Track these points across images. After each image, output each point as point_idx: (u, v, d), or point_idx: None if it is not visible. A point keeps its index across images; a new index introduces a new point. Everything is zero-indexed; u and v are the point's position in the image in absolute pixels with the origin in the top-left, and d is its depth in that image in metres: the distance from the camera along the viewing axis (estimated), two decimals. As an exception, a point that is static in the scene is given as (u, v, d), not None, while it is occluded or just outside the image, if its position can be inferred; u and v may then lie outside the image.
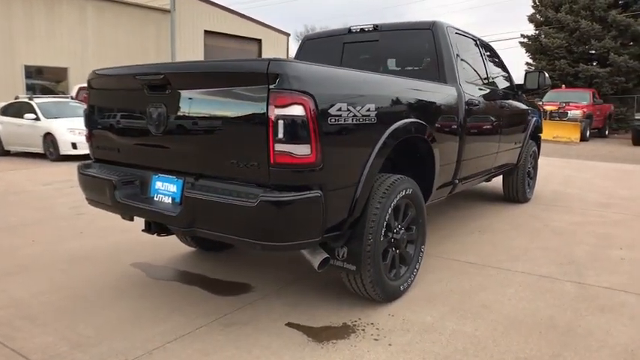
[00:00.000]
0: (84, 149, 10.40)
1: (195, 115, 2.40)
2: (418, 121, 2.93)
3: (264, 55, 27.25)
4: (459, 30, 4.14)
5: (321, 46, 4.41)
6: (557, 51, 20.09)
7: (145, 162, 2.74)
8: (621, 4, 19.62)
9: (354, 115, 2.38)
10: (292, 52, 34.96)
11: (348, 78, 2.51)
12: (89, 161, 3.13)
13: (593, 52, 19.79)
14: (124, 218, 2.82)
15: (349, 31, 4.23)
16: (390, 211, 2.73)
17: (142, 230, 2.72)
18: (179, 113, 2.44)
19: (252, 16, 26.42)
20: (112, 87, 2.89)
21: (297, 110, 2.06)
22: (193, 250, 3.97)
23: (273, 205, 2.08)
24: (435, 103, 3.30)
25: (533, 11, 22.32)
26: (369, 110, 2.48)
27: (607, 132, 17.69)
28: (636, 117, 14.33)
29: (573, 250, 4.06)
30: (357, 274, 2.62)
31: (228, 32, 25.08)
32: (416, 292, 3.10)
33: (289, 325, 2.67)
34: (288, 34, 29.78)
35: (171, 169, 2.59)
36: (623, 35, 18.87)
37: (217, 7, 24.59)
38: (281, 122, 2.06)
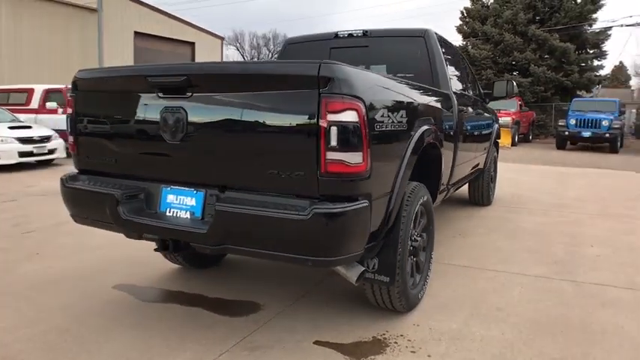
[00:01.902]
0: (8, 159, 9.35)
1: (224, 121, 2.18)
2: (434, 127, 2.91)
3: (199, 59, 26.41)
4: (442, 38, 4.20)
5: (305, 51, 4.28)
6: (484, 61, 21.40)
7: (151, 173, 2.46)
8: (538, 19, 21.35)
9: (392, 122, 2.30)
10: (225, 57, 34.11)
11: (386, 83, 2.42)
12: (73, 172, 2.76)
13: (515, 63, 21.32)
14: (128, 237, 2.50)
15: (336, 35, 4.15)
16: (412, 219, 2.67)
17: (155, 250, 2.43)
18: (203, 119, 2.21)
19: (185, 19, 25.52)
20: (108, 89, 2.56)
21: (350, 116, 1.94)
22: (177, 267, 3.66)
23: (327, 217, 1.93)
24: (442, 109, 3.31)
25: (461, 23, 23.65)
26: (402, 117, 2.41)
27: (531, 137, 19.10)
28: (559, 123, 15.62)
29: (553, 250, 4.25)
30: (390, 286, 2.52)
31: (160, 34, 24.00)
32: (429, 300, 3.07)
33: (318, 343, 2.52)
34: (222, 38, 29.14)
35: (188, 180, 2.34)
36: (542, 48, 20.53)
37: (148, 7, 23.47)
38: (334, 129, 1.92)
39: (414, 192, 2.71)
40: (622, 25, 19.97)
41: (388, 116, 2.25)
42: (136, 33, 22.89)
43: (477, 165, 5.23)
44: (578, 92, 21.14)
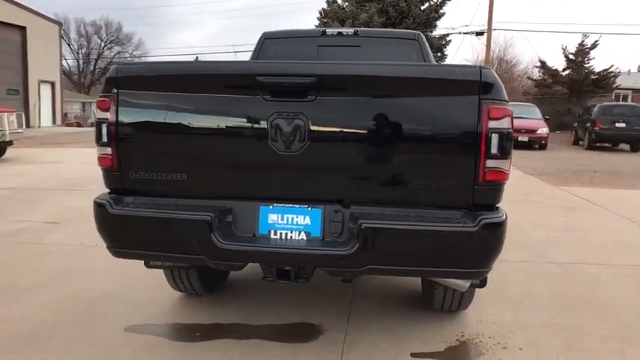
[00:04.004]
0: None
1: (359, 129, 1.94)
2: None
3: (32, 47, 22.67)
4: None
5: (288, 47, 4.03)
6: (346, 61, 22.64)
7: (243, 190, 2.06)
8: (390, 23, 23.38)
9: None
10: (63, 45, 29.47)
11: None
12: (109, 194, 2.16)
13: (373, 63, 23.06)
14: (216, 267, 2.04)
15: (323, 33, 4.00)
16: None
17: (270, 279, 2.04)
18: (333, 127, 1.93)
19: (13, -2, 21.55)
20: (177, 89, 2.03)
21: (507, 122, 1.92)
22: (176, 296, 3.13)
23: (493, 227, 1.89)
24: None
25: (319, 23, 24.61)
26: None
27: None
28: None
29: (510, 236, 4.72)
30: (480, 287, 2.56)
31: (-20, 15, 19.91)
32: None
33: (415, 355, 2.44)
34: (60, 24, 25.38)
35: (298, 196, 2.03)
36: (397, 50, 22.55)
37: (-38, -20, 19.24)
38: (495, 136, 1.88)
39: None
40: (460, 33, 23.09)
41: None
42: (-55, 11, 18.62)
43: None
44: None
